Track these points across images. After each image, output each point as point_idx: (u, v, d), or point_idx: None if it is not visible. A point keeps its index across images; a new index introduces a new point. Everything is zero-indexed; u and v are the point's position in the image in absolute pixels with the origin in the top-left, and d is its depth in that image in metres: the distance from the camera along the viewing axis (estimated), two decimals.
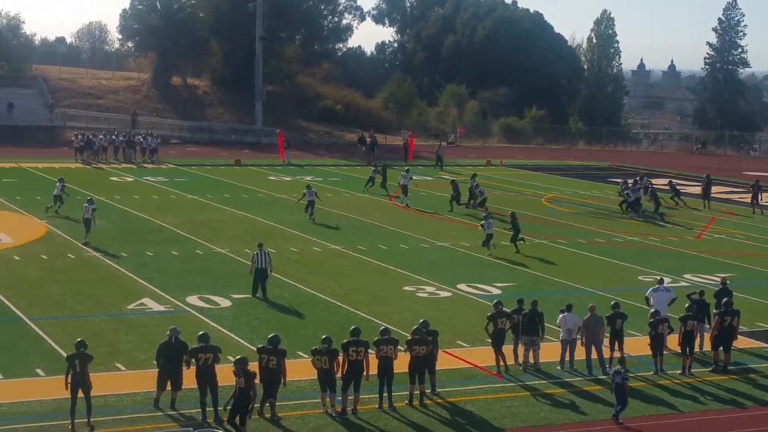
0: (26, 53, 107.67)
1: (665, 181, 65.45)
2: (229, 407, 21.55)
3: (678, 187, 61.10)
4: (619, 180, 63.24)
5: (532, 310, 26.86)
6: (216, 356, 22.50)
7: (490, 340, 26.65)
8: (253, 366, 22.47)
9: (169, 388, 22.80)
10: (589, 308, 27.18)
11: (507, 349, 26.84)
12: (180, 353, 22.73)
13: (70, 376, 21.63)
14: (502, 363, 26.39)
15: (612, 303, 28.13)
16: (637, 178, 60.71)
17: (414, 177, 58.74)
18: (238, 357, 21.73)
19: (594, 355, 26.76)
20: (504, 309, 26.90)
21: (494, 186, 63.46)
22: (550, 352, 27.33)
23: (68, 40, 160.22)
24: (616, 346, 27.24)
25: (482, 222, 44.44)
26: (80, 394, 21.54)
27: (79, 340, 22.30)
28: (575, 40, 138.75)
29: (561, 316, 27.05)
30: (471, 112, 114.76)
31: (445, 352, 26.82)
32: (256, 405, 21.73)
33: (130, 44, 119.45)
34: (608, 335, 27.26)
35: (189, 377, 22.66)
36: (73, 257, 38.85)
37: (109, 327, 29.14)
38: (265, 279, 33.44)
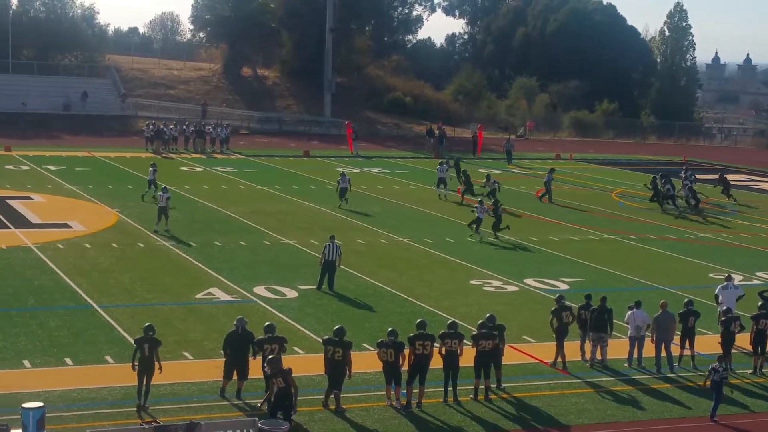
0: (100, 43, 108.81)
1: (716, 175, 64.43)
2: (264, 408, 21.53)
3: (730, 182, 60.47)
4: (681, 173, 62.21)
5: (601, 306, 26.62)
6: (282, 346, 22.58)
7: (554, 335, 26.47)
8: (319, 357, 22.54)
9: (235, 377, 22.93)
10: (660, 305, 26.89)
11: (571, 345, 26.64)
12: (247, 343, 22.85)
13: (137, 359, 22.03)
14: (559, 359, 26.19)
15: (685, 300, 27.79)
16: (681, 172, 60.20)
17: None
18: (269, 358, 21.62)
19: (663, 353, 26.47)
20: (567, 303, 26.73)
21: (563, 180, 62.98)
22: (617, 348, 27.08)
23: (141, 30, 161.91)
24: (687, 344, 26.93)
25: (475, 206, 45.25)
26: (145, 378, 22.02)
27: (147, 324, 22.66)
28: (648, 33, 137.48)
29: (629, 312, 26.79)
30: (541, 105, 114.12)
31: (512, 347, 26.68)
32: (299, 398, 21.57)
33: (201, 35, 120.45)
34: (679, 333, 26.94)
35: (255, 367, 22.76)
36: (143, 246, 39.21)
37: (178, 316, 29.36)
38: (333, 271, 33.44)
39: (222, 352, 23.29)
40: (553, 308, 26.72)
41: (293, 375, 21.06)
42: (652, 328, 26.45)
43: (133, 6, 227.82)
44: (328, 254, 33.32)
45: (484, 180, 55.59)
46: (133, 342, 23.33)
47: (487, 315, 24.87)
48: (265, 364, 21.53)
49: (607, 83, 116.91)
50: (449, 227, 46.63)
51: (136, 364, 22.06)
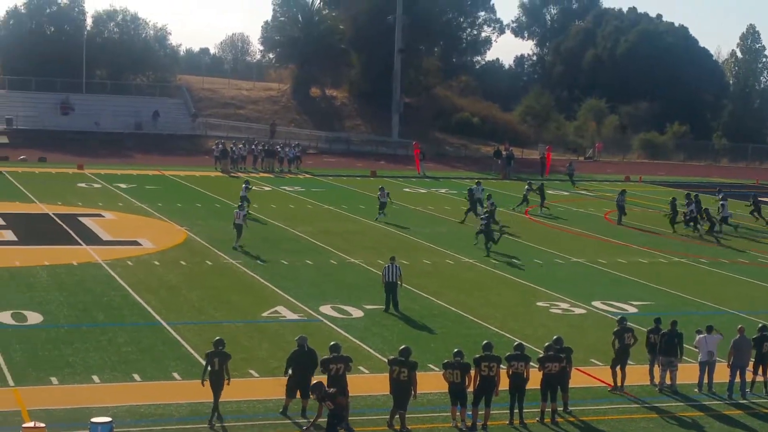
0: (172, 64, 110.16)
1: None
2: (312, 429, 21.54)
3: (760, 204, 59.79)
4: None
5: (671, 330, 26.26)
6: (347, 366, 22.57)
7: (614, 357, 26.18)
8: (384, 377, 22.52)
9: (299, 396, 22.95)
10: (738, 329, 26.45)
11: (640, 369, 26.35)
12: (311, 361, 22.88)
13: (207, 372, 22.27)
14: (619, 383, 25.90)
15: (759, 326, 27.28)
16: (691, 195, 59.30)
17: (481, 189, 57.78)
18: (313, 383, 21.33)
19: (737, 378, 26.06)
20: (629, 324, 26.47)
21: (633, 203, 62.46)
22: (686, 373, 26.73)
23: (212, 51, 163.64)
24: (760, 370, 26.49)
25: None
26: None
27: (217, 338, 22.88)
28: (721, 55, 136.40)
29: (700, 337, 26.41)
30: (610, 127, 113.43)
31: (579, 370, 26.46)
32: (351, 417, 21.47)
33: (271, 55, 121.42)
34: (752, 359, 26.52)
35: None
36: (211, 264, 39.48)
37: (244, 333, 29.49)
38: (395, 292, 33.36)
39: (285, 370, 23.28)
40: (615, 329, 26.45)
41: (351, 394, 21.01)
42: (729, 353, 26.01)
43: (205, 27, 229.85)
44: (387, 275, 33.26)
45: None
46: (200, 359, 23.46)
47: (554, 337, 24.69)
48: (310, 389, 21.40)
49: (678, 105, 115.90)
50: (515, 248, 46.39)
51: (206, 380, 22.27)
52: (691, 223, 54.42)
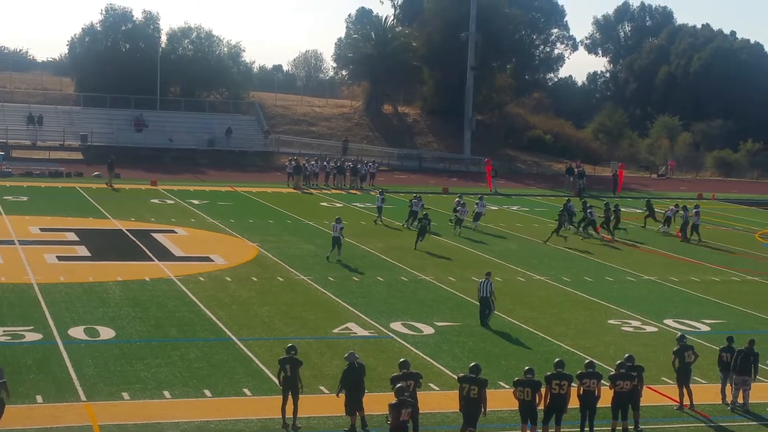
0: (245, 81, 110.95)
1: None
2: None
3: None
4: None
5: (747, 349, 25.90)
6: (417, 383, 22.52)
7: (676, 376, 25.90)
8: (454, 394, 22.44)
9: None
10: None
11: (713, 387, 26.02)
12: (362, 376, 22.91)
13: (281, 378, 22.95)
14: (687, 402, 25.60)
15: None
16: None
17: (484, 204, 58.29)
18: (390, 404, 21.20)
19: None
20: (688, 342, 26.16)
21: (706, 220, 61.77)
22: (759, 393, 26.34)
23: (285, 67, 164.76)
24: None
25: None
26: (290, 397, 22.81)
27: (290, 345, 23.38)
28: None
29: None
30: (683, 144, 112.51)
31: (650, 388, 26.19)
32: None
33: (344, 72, 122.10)
34: None
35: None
36: (282, 280, 39.68)
37: (315, 350, 29.56)
38: (487, 308, 33.52)
39: (338, 390, 23.14)
40: (674, 348, 26.13)
41: (421, 411, 20.96)
42: None
43: (278, 44, 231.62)
44: (482, 290, 33.49)
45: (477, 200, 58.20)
46: (271, 375, 23.60)
47: (626, 355, 24.48)
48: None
49: (751, 122, 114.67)
50: (588, 266, 46.10)
51: (281, 383, 22.99)
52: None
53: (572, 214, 56.88)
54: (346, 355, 23.35)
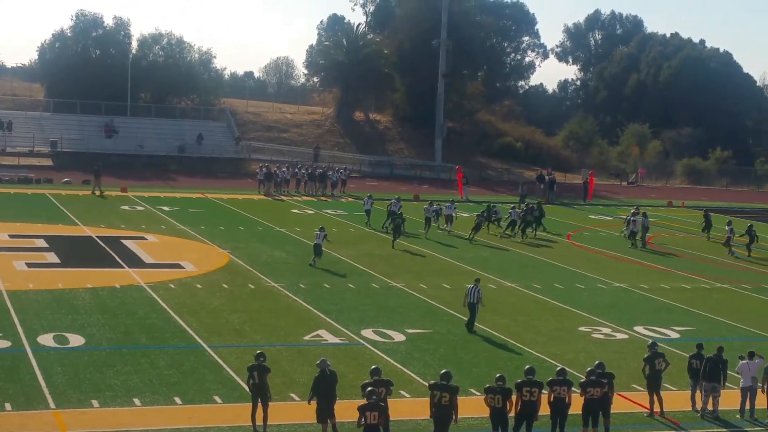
0: (216, 87, 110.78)
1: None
2: None
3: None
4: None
5: (716, 356, 26.02)
6: (388, 390, 22.48)
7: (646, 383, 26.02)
8: (425, 402, 22.43)
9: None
10: None
11: (683, 395, 26.10)
12: (333, 383, 22.87)
13: (250, 385, 22.95)
14: (657, 409, 25.71)
15: None
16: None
17: (457, 207, 59.13)
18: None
19: None
20: (659, 350, 26.26)
21: (676, 228, 62.11)
22: (728, 400, 26.47)
23: (256, 74, 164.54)
24: None
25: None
26: (260, 404, 22.82)
27: (258, 352, 23.38)
28: (765, 80, 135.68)
29: (742, 363, 26.18)
30: (653, 152, 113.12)
31: (620, 395, 26.27)
32: None
33: (315, 79, 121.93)
34: None
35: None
36: (253, 287, 39.59)
37: (285, 357, 29.50)
38: (474, 313, 33.90)
39: (309, 398, 22.97)
40: (645, 355, 26.24)
41: (392, 418, 20.96)
42: (764, 379, 25.83)
43: (249, 51, 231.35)
44: (470, 296, 33.89)
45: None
46: (241, 382, 23.56)
47: (596, 362, 24.53)
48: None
49: (721, 131, 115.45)
50: (558, 273, 46.24)
51: (250, 391, 23.02)
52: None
53: (499, 217, 59.57)
54: (318, 362, 23.21)
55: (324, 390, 22.70)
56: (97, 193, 68.06)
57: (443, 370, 22.81)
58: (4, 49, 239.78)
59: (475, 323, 33.95)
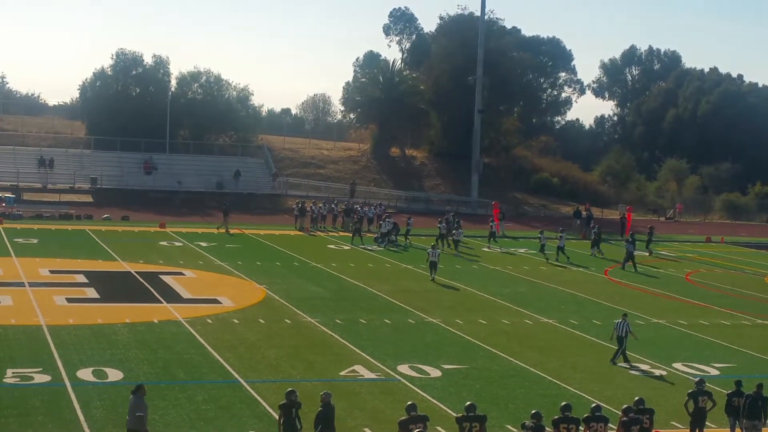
0: (253, 124, 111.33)
1: None
2: None
3: None
4: None
5: (756, 393, 25.79)
6: (425, 425, 22.44)
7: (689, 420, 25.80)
8: None
9: None
10: None
11: None
12: (333, 416, 22.88)
13: (281, 423, 22.65)
14: None
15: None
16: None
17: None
18: None
19: None
20: (705, 388, 26.04)
21: (714, 263, 61.75)
22: None
23: (293, 111, 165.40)
24: None
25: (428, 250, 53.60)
26: None
27: (290, 389, 23.14)
28: None
29: None
30: (691, 187, 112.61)
31: None
32: None
33: (352, 116, 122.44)
34: None
35: None
36: (290, 322, 39.67)
37: (321, 392, 29.45)
38: (621, 346, 34.92)
39: (318, 429, 22.84)
40: (690, 391, 26.04)
41: None
42: None
43: (287, 88, 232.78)
44: (619, 330, 34.88)
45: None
46: (277, 418, 23.56)
47: (636, 398, 24.36)
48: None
49: (760, 165, 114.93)
50: (596, 309, 46.03)
51: (281, 429, 22.61)
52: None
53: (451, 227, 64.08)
54: (323, 394, 23.29)
55: (327, 421, 22.84)
56: (223, 230, 68.75)
57: (468, 403, 22.78)
58: (47, 87, 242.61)
59: (620, 355, 35.01)
